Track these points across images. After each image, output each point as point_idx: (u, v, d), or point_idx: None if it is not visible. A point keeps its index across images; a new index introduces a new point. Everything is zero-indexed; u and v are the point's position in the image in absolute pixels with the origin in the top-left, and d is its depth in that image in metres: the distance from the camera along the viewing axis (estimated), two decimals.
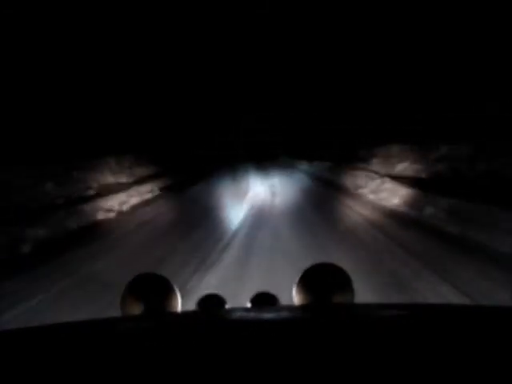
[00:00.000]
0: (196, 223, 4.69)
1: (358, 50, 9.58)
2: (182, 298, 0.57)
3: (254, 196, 7.02)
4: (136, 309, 0.50)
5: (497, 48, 5.21)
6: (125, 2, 8.16)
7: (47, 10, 5.38)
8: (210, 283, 2.60)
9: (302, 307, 0.51)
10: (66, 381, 0.27)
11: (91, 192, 5.78)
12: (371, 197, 6.60)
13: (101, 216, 5.07)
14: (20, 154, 4.60)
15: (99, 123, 7.12)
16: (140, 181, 7.77)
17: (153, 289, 0.54)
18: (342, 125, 11.05)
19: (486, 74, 5.38)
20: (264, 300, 0.72)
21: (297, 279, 0.56)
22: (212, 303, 0.72)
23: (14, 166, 4.42)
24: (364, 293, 2.50)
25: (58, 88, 5.85)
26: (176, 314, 0.52)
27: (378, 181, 7.10)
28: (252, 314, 0.40)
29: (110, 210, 5.37)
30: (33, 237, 3.69)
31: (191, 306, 0.72)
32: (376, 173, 7.61)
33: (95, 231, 4.51)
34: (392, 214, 4.98)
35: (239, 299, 0.74)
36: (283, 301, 0.74)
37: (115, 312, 0.51)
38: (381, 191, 6.60)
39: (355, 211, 5.38)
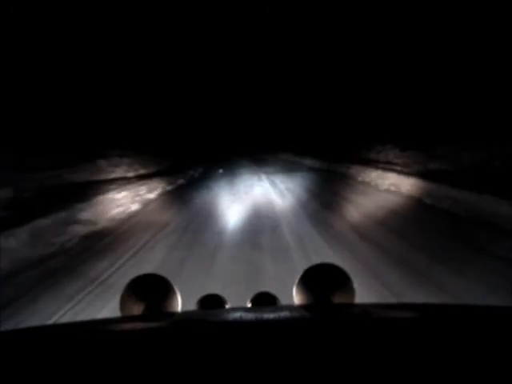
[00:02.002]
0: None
1: (359, 50, 9.59)
2: (182, 298, 0.57)
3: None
4: (136, 309, 0.50)
5: (496, 48, 5.22)
6: (125, 3, 8.18)
7: (47, 10, 5.39)
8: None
9: (302, 307, 0.51)
10: (67, 381, 0.27)
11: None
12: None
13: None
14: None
15: (100, 122, 7.16)
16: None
17: (153, 289, 0.54)
18: (342, 123, 11.08)
19: (485, 74, 5.40)
20: (264, 300, 0.72)
21: (297, 279, 0.56)
22: (212, 303, 0.72)
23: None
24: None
25: (59, 87, 5.87)
26: (176, 314, 0.52)
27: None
28: (252, 314, 0.40)
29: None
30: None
31: (191, 306, 0.72)
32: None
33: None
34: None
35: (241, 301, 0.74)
36: (283, 301, 0.74)
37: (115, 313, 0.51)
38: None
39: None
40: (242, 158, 19.42)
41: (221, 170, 11.92)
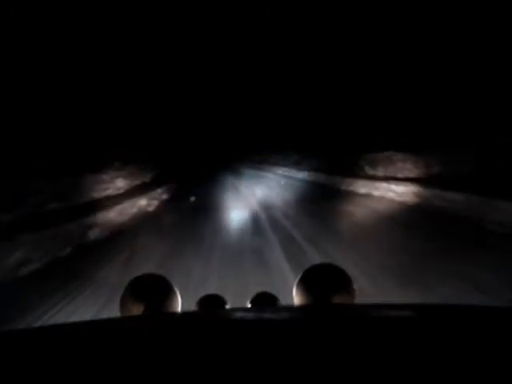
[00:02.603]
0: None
1: (358, 53, 9.58)
2: (182, 298, 0.57)
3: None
4: (136, 309, 0.50)
5: (495, 50, 5.22)
6: (126, 11, 8.15)
7: (47, 10, 5.39)
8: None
9: (302, 307, 0.51)
10: (66, 381, 0.27)
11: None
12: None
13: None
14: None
15: (99, 129, 7.05)
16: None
17: (153, 289, 0.54)
18: (338, 130, 11.01)
19: (485, 76, 5.41)
20: (264, 300, 0.72)
21: (297, 279, 0.56)
22: (212, 303, 0.72)
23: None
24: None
25: (58, 93, 5.83)
26: (176, 314, 0.52)
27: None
28: (252, 315, 0.40)
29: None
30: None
31: (191, 306, 0.72)
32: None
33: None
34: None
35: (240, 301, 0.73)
36: (283, 301, 0.74)
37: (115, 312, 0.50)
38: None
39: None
40: (227, 174, 14.66)
41: (193, 198, 7.54)
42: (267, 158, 19.14)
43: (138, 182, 8.05)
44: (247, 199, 7.50)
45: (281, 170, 15.23)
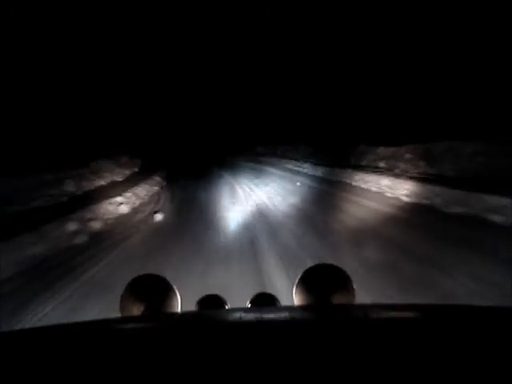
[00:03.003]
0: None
1: (357, 51, 9.58)
2: (182, 298, 0.56)
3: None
4: (136, 309, 0.50)
5: (493, 49, 5.22)
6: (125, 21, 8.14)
7: (47, 10, 5.39)
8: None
9: (302, 307, 0.51)
10: (67, 381, 0.27)
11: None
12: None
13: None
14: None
15: (97, 128, 7.05)
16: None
17: (153, 289, 0.54)
18: (339, 124, 10.95)
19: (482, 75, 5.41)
20: (264, 300, 0.72)
21: (297, 279, 0.56)
22: (212, 304, 0.72)
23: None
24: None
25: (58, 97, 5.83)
26: (176, 314, 0.52)
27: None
28: (252, 315, 0.40)
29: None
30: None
31: (191, 306, 0.72)
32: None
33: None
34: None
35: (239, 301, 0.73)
36: (283, 301, 0.74)
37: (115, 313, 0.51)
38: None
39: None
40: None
41: (159, 216, 4.94)
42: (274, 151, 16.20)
43: (103, 182, 6.74)
44: (247, 205, 5.67)
45: (291, 165, 12.43)
